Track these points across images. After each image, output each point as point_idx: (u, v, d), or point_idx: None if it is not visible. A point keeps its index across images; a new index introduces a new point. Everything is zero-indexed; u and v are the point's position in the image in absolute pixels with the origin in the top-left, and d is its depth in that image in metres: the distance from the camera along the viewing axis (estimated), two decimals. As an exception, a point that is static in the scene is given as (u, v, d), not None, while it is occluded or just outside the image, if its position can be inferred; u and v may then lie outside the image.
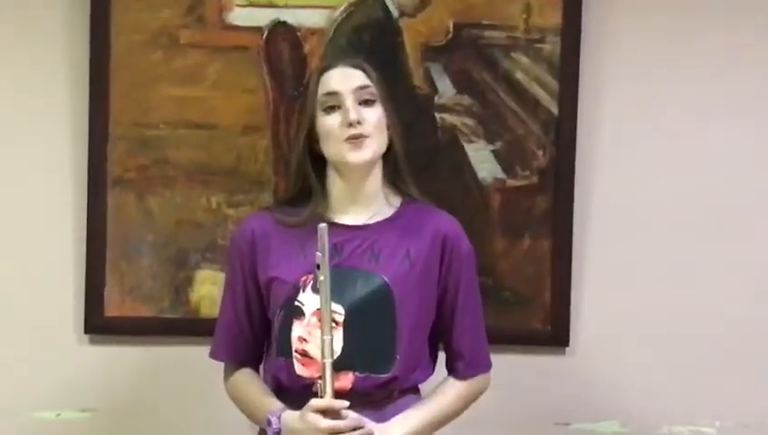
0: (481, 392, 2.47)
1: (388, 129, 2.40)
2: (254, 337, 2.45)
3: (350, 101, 2.35)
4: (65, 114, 2.86)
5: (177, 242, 2.86)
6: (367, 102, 2.36)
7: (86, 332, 2.88)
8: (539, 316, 2.88)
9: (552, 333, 2.88)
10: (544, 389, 2.90)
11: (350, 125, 2.32)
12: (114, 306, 2.87)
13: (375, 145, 2.36)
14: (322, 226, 2.21)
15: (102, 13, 2.81)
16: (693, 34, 2.89)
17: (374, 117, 2.36)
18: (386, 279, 2.34)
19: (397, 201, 2.43)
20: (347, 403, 2.25)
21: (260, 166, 2.85)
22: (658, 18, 2.88)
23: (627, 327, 2.90)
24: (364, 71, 2.39)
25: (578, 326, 2.89)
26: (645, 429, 2.92)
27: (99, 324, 2.87)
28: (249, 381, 2.45)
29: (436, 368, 2.46)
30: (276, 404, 2.36)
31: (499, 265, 2.87)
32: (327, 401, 2.24)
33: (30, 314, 2.88)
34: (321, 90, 2.37)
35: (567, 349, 2.90)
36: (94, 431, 2.89)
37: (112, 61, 2.83)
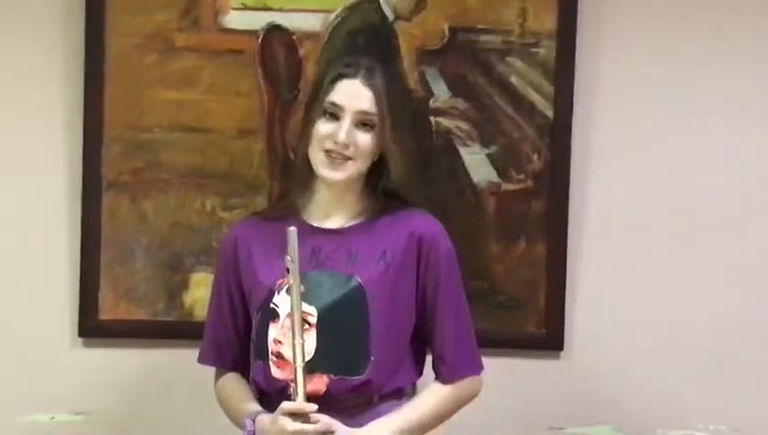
0: (470, 396, 2.44)
1: (386, 150, 2.38)
2: (240, 342, 2.46)
3: (347, 121, 2.35)
4: (60, 117, 2.86)
5: (172, 245, 2.86)
6: (364, 126, 2.37)
7: (80, 335, 2.88)
8: (533, 320, 2.87)
9: (546, 336, 2.88)
10: (539, 393, 2.90)
11: (336, 143, 2.34)
12: (108, 309, 2.87)
13: (354, 168, 2.37)
14: (291, 229, 2.23)
15: (98, 16, 2.81)
16: (688, 38, 2.89)
17: (365, 142, 2.37)
18: (359, 280, 2.34)
19: (377, 211, 2.43)
20: (315, 407, 2.25)
21: (255, 169, 2.85)
22: (654, 22, 2.88)
23: (621, 331, 2.90)
24: (377, 93, 2.37)
25: (572, 330, 2.90)
26: (639, 432, 2.90)
27: (93, 327, 2.87)
28: (233, 386, 2.46)
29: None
30: (254, 408, 2.37)
31: (494, 269, 2.87)
32: (296, 404, 2.25)
33: (24, 317, 2.88)
34: (331, 96, 2.37)
35: (561, 353, 2.90)
36: (89, 434, 2.89)
37: (107, 64, 2.83)
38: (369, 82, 2.38)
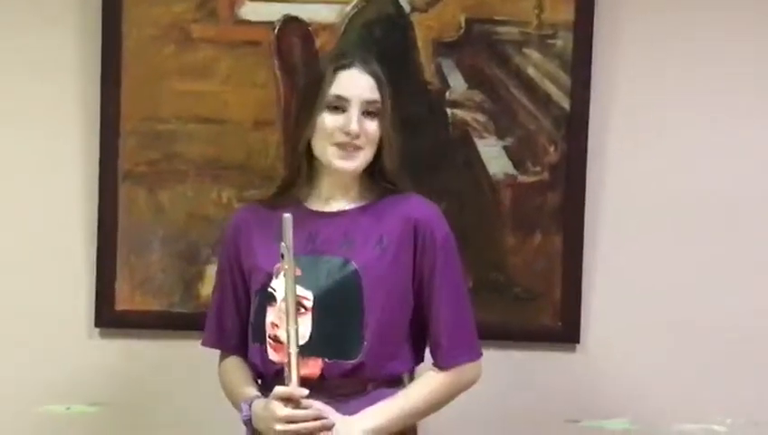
0: (467, 383, 2.40)
1: (384, 134, 2.38)
2: (242, 325, 2.46)
3: (355, 111, 2.35)
4: (77, 108, 2.87)
5: (188, 236, 2.87)
6: (369, 114, 2.37)
7: (96, 325, 2.89)
8: (549, 313, 2.87)
9: (562, 329, 2.87)
10: (555, 385, 2.90)
11: (348, 133, 2.34)
12: (124, 300, 2.88)
13: (365, 157, 2.37)
14: (286, 216, 2.22)
15: (115, 7, 2.82)
16: (705, 31, 2.88)
17: (372, 130, 2.36)
18: (355, 265, 2.33)
19: (374, 196, 2.42)
20: (306, 391, 2.24)
21: (270, 161, 2.85)
22: (670, 14, 2.87)
23: (637, 324, 2.89)
24: (377, 80, 2.38)
25: (588, 323, 2.89)
26: (655, 426, 2.91)
27: (109, 318, 2.88)
28: (233, 370, 2.47)
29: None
30: (251, 393, 2.37)
31: (510, 262, 2.86)
32: (287, 388, 2.25)
33: (41, 307, 2.89)
34: (333, 89, 2.37)
35: (578, 345, 2.89)
36: (103, 425, 2.90)
37: (124, 55, 2.84)
38: (368, 69, 2.38)
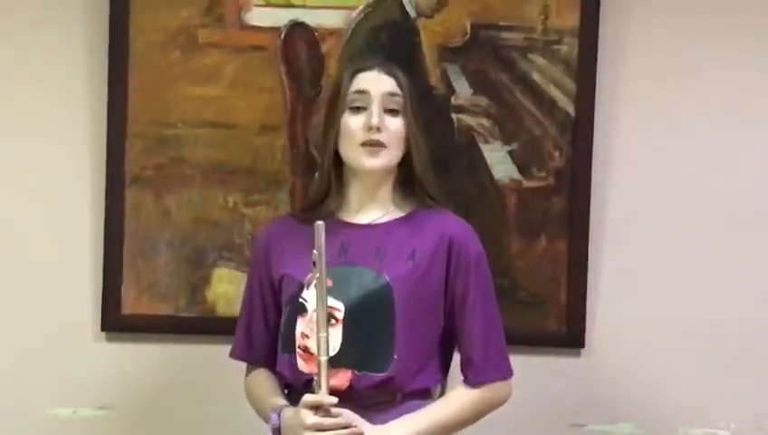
0: (498, 401, 2.41)
1: (408, 140, 2.40)
2: (271, 337, 2.46)
3: (376, 105, 2.37)
4: (84, 113, 2.88)
5: (194, 241, 2.88)
6: (392, 111, 2.38)
7: (103, 329, 2.89)
8: (555, 317, 2.87)
9: (567, 334, 2.88)
10: (560, 390, 2.90)
11: (370, 129, 2.35)
12: (131, 304, 2.88)
13: (390, 154, 2.38)
14: (318, 223, 2.23)
15: (121, 12, 2.83)
16: (710, 35, 2.88)
17: (395, 127, 2.38)
18: (387, 278, 2.33)
19: (410, 206, 2.44)
20: (335, 400, 2.24)
21: (277, 165, 2.86)
22: (676, 20, 2.88)
23: (642, 328, 2.89)
24: (396, 79, 2.41)
25: (593, 327, 2.89)
26: (660, 430, 2.91)
27: (116, 322, 2.88)
28: (261, 381, 2.47)
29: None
30: (280, 402, 2.37)
31: (515, 266, 2.87)
32: (317, 396, 2.25)
33: (47, 311, 2.89)
34: (353, 87, 2.39)
35: (582, 350, 2.90)
36: (111, 429, 2.91)
37: (131, 60, 2.84)
38: (388, 70, 2.42)
